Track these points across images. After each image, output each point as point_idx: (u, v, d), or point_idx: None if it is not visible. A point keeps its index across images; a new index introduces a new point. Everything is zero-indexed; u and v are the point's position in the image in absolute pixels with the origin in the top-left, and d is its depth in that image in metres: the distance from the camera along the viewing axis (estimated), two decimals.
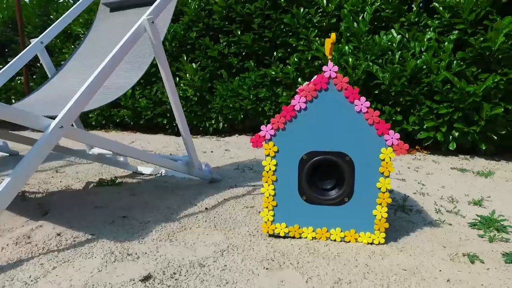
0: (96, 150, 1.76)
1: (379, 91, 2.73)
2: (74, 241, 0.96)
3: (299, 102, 0.95)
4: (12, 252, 0.89)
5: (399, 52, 2.62)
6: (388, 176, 0.95)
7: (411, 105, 2.64)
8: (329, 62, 0.98)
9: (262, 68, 3.25)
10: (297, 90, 1.05)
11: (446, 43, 2.47)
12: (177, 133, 3.58)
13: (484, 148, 2.37)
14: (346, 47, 2.87)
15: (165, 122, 3.52)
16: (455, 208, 1.28)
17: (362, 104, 0.93)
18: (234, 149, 2.61)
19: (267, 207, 1.01)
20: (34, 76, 4.12)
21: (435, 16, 2.66)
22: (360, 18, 2.85)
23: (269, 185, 1.00)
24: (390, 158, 0.94)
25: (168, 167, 1.36)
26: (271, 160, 0.99)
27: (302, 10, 3.01)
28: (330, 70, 0.93)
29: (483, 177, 1.82)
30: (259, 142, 0.98)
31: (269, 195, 1.00)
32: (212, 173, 1.59)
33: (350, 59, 2.76)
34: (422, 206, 1.30)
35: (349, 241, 0.99)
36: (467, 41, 2.48)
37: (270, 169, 0.99)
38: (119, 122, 3.79)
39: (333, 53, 2.85)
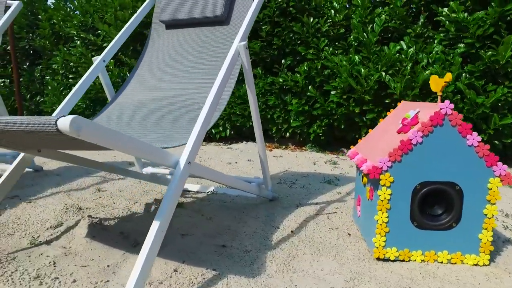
0: (149, 170, 1.72)
1: (390, 101, 2.86)
2: (203, 278, 0.96)
3: (416, 137, 1.01)
4: None
5: (410, 63, 2.76)
6: (494, 204, 1.04)
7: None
8: (438, 99, 1.05)
9: (270, 75, 3.28)
10: (402, 123, 1.11)
11: (455, 56, 2.64)
12: None
13: None
14: (356, 57, 2.98)
15: None
16: None
17: (474, 139, 1.01)
18: (256, 158, 2.64)
19: (379, 233, 1.06)
20: (22, 79, 3.87)
21: (440, 29, 2.83)
22: (369, 28, 2.96)
23: (383, 213, 1.05)
24: (497, 187, 1.02)
25: (248, 191, 1.37)
26: (386, 189, 1.04)
27: (312, 19, 3.07)
28: (446, 107, 1.00)
29: (507, 187, 1.98)
30: (376, 173, 1.03)
31: (383, 222, 1.05)
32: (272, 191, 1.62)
33: (363, 70, 2.87)
34: None
35: (455, 263, 1.07)
36: (474, 54, 2.67)
37: (385, 198, 1.04)
38: None
39: (345, 63, 2.95)
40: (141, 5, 3.33)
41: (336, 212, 1.48)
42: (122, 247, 1.14)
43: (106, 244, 1.15)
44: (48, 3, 3.96)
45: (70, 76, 3.65)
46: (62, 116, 0.63)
